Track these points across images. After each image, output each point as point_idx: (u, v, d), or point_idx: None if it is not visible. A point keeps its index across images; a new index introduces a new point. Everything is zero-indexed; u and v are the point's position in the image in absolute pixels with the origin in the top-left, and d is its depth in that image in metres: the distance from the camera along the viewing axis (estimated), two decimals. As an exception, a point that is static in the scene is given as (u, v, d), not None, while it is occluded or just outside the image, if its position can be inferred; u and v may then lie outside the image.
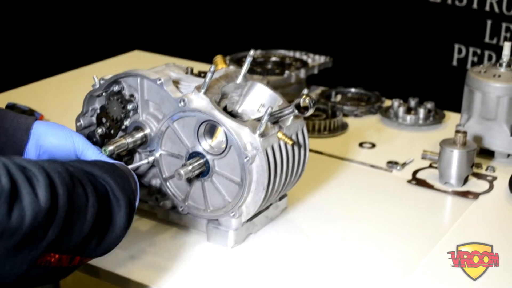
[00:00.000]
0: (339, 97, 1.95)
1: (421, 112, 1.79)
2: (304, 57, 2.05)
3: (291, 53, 2.08)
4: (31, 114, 1.75)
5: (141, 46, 2.51)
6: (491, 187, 1.47)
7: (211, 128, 1.16)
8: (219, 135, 1.15)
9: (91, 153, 1.09)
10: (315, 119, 1.74)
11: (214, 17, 3.31)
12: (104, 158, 1.08)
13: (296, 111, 1.14)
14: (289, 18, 3.07)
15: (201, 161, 1.16)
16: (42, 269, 0.80)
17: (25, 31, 3.33)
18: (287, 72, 1.88)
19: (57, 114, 1.78)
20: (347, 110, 1.85)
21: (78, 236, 0.82)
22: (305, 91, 1.19)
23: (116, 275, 1.13)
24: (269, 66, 1.99)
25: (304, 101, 1.13)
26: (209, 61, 1.30)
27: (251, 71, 1.89)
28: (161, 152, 1.21)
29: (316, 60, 2.04)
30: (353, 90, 1.98)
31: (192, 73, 1.29)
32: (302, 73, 1.92)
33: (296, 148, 1.22)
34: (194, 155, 1.17)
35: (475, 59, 2.63)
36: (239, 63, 1.94)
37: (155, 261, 1.17)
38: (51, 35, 3.40)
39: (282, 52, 2.09)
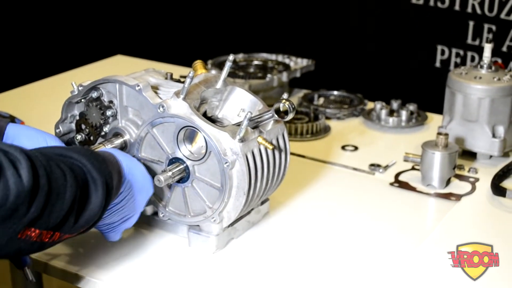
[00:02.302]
0: (321, 100, 1.95)
1: (404, 114, 1.79)
2: (287, 60, 2.05)
3: (273, 57, 2.08)
4: (12, 121, 1.73)
5: (123, 51, 2.50)
6: (473, 189, 1.47)
7: (190, 134, 1.15)
8: (199, 141, 1.15)
9: None
10: (298, 122, 1.74)
11: (195, 21, 3.30)
12: None
13: (276, 116, 1.13)
14: (271, 21, 3.07)
15: (181, 166, 1.16)
16: (22, 242, 0.86)
17: (4, 38, 3.31)
18: (269, 75, 1.88)
19: (38, 120, 1.76)
20: (330, 113, 1.85)
21: (58, 214, 0.88)
22: (285, 95, 1.18)
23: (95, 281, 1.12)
24: (251, 70, 1.98)
25: (283, 105, 1.12)
26: (191, 65, 1.30)
27: (233, 75, 1.89)
28: (140, 158, 1.20)
29: (298, 63, 2.03)
30: (335, 92, 1.98)
31: (171, 78, 1.28)
32: (285, 77, 1.91)
33: (276, 153, 1.22)
34: (174, 161, 1.16)
35: (458, 60, 2.63)
36: (220, 67, 1.93)
37: (136, 268, 1.16)
38: (31, 41, 3.38)
39: (264, 55, 2.08)
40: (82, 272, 1.13)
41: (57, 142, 1.13)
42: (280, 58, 2.07)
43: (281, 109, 1.13)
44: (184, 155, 1.15)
